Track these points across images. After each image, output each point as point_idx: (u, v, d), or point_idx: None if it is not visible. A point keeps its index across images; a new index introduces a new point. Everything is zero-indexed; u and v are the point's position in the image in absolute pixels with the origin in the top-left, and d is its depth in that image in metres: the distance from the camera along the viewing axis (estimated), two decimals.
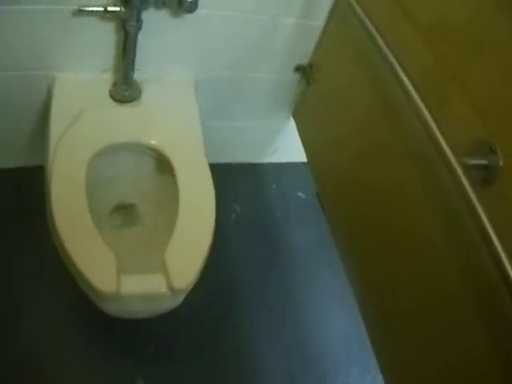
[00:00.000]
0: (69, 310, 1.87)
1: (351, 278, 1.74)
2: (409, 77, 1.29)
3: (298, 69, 2.04)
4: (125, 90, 1.70)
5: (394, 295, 1.51)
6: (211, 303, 2.07)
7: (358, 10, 1.51)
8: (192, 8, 1.54)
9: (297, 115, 2.25)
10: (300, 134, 2.19)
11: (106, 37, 1.65)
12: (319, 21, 1.86)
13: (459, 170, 1.08)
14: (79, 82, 1.73)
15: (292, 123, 2.29)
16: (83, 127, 1.58)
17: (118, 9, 1.48)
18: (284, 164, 2.68)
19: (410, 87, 1.27)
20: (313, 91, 2.05)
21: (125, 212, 1.77)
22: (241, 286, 2.20)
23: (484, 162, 1.12)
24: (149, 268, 1.39)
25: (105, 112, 1.67)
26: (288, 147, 2.51)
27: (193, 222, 1.48)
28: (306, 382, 2.02)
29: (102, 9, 1.48)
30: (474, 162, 1.13)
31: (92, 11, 1.50)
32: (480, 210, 1.04)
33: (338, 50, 1.85)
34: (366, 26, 1.46)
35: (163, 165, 1.63)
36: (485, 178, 1.13)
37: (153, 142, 1.62)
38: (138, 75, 1.72)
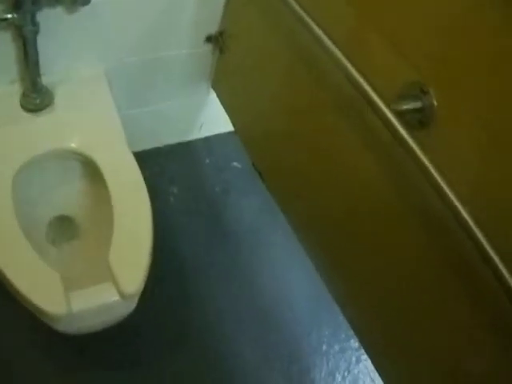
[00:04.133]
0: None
1: (303, 242, 1.75)
2: (324, 29, 1.25)
3: (209, 39, 1.98)
4: (35, 97, 1.61)
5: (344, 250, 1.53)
6: (166, 296, 2.05)
7: None
8: (86, 1, 1.46)
9: (216, 86, 2.20)
10: (223, 105, 2.16)
11: (4, 47, 1.56)
12: None
13: (392, 117, 1.06)
14: None
15: (213, 95, 2.25)
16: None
17: (9, 15, 1.39)
18: (213, 137, 2.64)
19: (329, 42, 1.23)
20: (228, 59, 2.00)
21: (63, 225, 1.69)
22: (192, 269, 2.18)
23: (417, 104, 1.10)
24: (95, 279, 1.35)
25: (18, 125, 1.59)
26: (214, 119, 2.47)
27: (130, 222, 1.45)
28: (281, 354, 2.01)
29: None
30: (406, 106, 1.11)
31: None
32: (420, 153, 1.03)
33: (247, 11, 1.80)
34: None
35: (90, 168, 1.57)
36: (420, 120, 1.12)
37: (73, 146, 1.57)
38: (46, 79, 1.64)
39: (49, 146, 1.56)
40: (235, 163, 2.60)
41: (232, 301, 2.12)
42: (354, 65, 1.15)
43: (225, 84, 2.13)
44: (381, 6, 1.21)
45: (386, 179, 1.31)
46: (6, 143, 1.52)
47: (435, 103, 1.08)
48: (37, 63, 1.52)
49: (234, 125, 2.12)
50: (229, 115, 2.13)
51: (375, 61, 1.22)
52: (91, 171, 1.57)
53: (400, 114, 1.07)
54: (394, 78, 1.17)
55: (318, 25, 1.26)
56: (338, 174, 1.51)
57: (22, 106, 1.62)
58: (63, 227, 1.69)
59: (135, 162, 1.56)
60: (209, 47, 2.02)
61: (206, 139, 2.63)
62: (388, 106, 1.07)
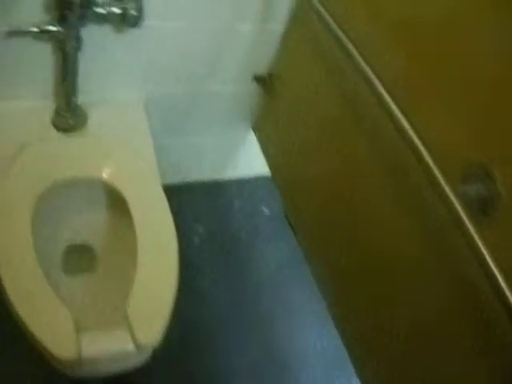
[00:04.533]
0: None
1: (327, 300, 1.65)
2: (382, 82, 1.16)
3: (257, 79, 1.89)
4: (68, 117, 1.52)
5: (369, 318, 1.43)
6: (183, 339, 1.94)
7: (321, 9, 1.36)
8: (136, 22, 1.37)
9: (257, 128, 2.11)
10: (262, 148, 2.07)
11: (42, 60, 1.47)
12: (278, 25, 1.71)
13: (453, 198, 0.96)
14: (17, 112, 1.55)
15: (252, 136, 2.16)
16: (25, 165, 1.41)
17: (54, 28, 1.30)
18: (246, 179, 2.54)
19: (385, 95, 1.15)
20: (273, 102, 1.91)
21: (80, 255, 1.58)
22: (209, 315, 2.07)
23: (480, 188, 0.99)
24: (110, 320, 1.26)
25: (48, 145, 1.49)
26: (248, 161, 2.38)
27: (154, 267, 1.33)
28: None
29: (36, 29, 1.30)
30: (468, 189, 1.01)
31: (25, 32, 1.31)
32: (479, 241, 0.92)
33: (299, 56, 1.72)
34: (330, 28, 1.32)
35: (117, 200, 1.46)
36: (482, 206, 1.00)
37: (102, 176, 1.46)
38: (81, 99, 1.54)
39: (76, 172, 1.46)
40: (265, 209, 2.50)
41: (247, 353, 2.01)
42: (415, 130, 1.06)
43: (266, 126, 2.04)
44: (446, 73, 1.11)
45: (430, 252, 1.19)
46: (33, 163, 1.42)
47: (501, 190, 0.96)
48: (74, 81, 1.44)
49: (270, 169, 2.02)
50: (266, 159, 2.03)
51: (438, 129, 1.11)
52: (118, 203, 1.46)
53: (461, 196, 0.97)
54: (456, 153, 1.06)
55: (378, 77, 1.17)
56: (379, 240, 1.40)
57: (54, 124, 1.53)
58: (80, 257, 1.58)
59: (166, 201, 1.45)
60: (255, 87, 1.92)
61: (238, 180, 2.53)
62: (450, 184, 0.97)
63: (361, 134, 1.42)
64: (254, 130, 2.12)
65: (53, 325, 1.17)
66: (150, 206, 1.44)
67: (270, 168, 2.02)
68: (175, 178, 2.25)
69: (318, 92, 1.63)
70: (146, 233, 1.37)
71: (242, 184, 2.53)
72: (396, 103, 1.11)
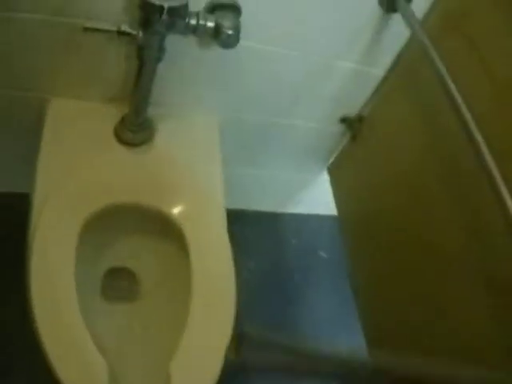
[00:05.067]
0: None
1: None
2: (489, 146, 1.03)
3: (344, 120, 1.74)
4: (134, 130, 1.36)
5: None
6: None
7: (434, 55, 1.19)
8: (230, 43, 1.21)
9: (333, 170, 1.98)
10: (334, 192, 1.94)
11: (116, 61, 1.33)
12: (379, 69, 1.57)
13: None
14: (79, 112, 1.41)
15: (324, 176, 2.03)
16: (77, 180, 1.27)
17: (134, 32, 1.13)
18: (307, 216, 2.43)
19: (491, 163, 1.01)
20: (358, 147, 1.78)
21: (121, 280, 1.45)
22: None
23: None
24: (149, 372, 1.18)
25: (107, 161, 1.34)
26: (314, 198, 2.26)
27: (206, 325, 1.19)
28: None
29: (114, 29, 1.14)
30: None
31: (102, 30, 1.15)
32: None
33: (397, 105, 1.58)
34: (440, 78, 1.15)
35: (174, 232, 1.32)
36: None
37: (163, 207, 1.31)
38: (152, 109, 1.38)
39: (133, 197, 1.31)
40: (322, 252, 2.39)
41: None
42: None
43: (344, 171, 1.91)
44: None
45: None
46: (85, 181, 1.28)
47: None
48: (148, 93, 1.28)
49: (339, 214, 1.91)
50: (337, 204, 1.92)
51: None
52: (174, 236, 1.33)
53: None
54: None
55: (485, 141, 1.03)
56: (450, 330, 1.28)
57: (116, 135, 1.37)
58: (122, 282, 1.46)
59: (229, 247, 1.33)
60: (340, 128, 1.78)
61: (299, 216, 2.43)
62: None
63: (447, 197, 1.31)
64: (329, 171, 2.00)
65: (85, 374, 1.05)
66: (210, 249, 1.31)
67: (339, 212, 1.91)
68: (235, 204, 2.10)
69: (406, 146, 1.52)
70: (203, 277, 1.25)
71: (303, 220, 2.43)
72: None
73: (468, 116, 1.07)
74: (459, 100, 1.09)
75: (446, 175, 1.32)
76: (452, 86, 1.12)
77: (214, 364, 1.13)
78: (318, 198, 2.15)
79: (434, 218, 1.36)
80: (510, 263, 1.07)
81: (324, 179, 2.01)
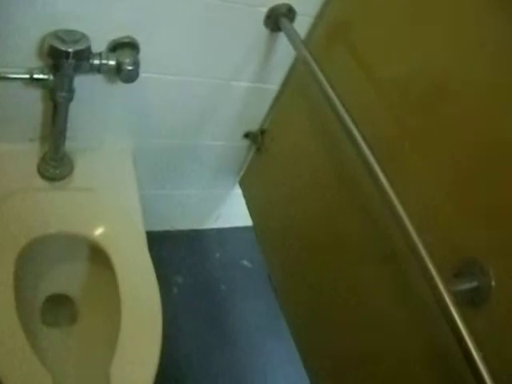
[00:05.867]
0: None
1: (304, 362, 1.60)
2: (372, 151, 1.12)
3: (248, 135, 1.86)
4: (55, 166, 1.47)
5: None
6: None
7: (318, 72, 1.31)
8: (131, 77, 1.33)
9: (244, 182, 2.08)
10: (247, 203, 2.03)
11: (31, 105, 1.43)
12: (273, 85, 1.70)
13: (446, 296, 0.91)
14: (2, 155, 1.50)
15: (237, 189, 2.14)
16: (7, 217, 1.35)
17: (45, 77, 1.25)
18: (227, 229, 2.53)
19: (377, 168, 1.10)
20: (263, 159, 1.89)
21: (60, 306, 1.53)
22: (186, 368, 2.01)
23: (474, 283, 0.99)
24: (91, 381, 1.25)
25: (32, 195, 1.43)
26: (231, 212, 2.37)
27: (138, 330, 1.28)
28: None
29: (27, 76, 1.25)
30: (462, 286, 1.00)
31: (15, 79, 1.27)
32: (465, 332, 0.88)
33: (291, 115, 1.71)
34: (323, 90, 1.27)
35: (100, 255, 1.41)
36: (473, 299, 0.99)
37: (88, 233, 1.40)
38: (69, 144, 1.49)
39: (60, 227, 1.39)
40: (245, 262, 2.48)
41: None
42: (409, 216, 1.01)
43: (253, 181, 2.01)
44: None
45: (417, 336, 1.18)
46: (16, 215, 1.36)
47: (493, 284, 0.96)
48: (64, 130, 1.39)
49: (254, 225, 1.98)
50: (251, 214, 1.99)
51: (434, 218, 1.10)
52: (101, 259, 1.41)
53: (454, 293, 0.93)
54: (453, 247, 1.05)
55: (368, 144, 1.13)
56: (362, 315, 1.38)
57: (39, 172, 1.48)
58: (60, 308, 1.53)
59: (150, 260, 1.41)
60: (245, 143, 1.90)
61: (220, 231, 2.51)
62: (444, 282, 0.93)
63: (350, 205, 1.41)
64: (241, 184, 2.10)
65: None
66: (135, 269, 1.39)
67: (254, 223, 1.98)
68: (157, 226, 2.21)
69: (306, 152, 1.62)
70: (130, 292, 1.32)
71: (224, 234, 2.51)
72: (388, 180, 1.08)
73: (349, 121, 1.17)
74: (340, 107, 1.20)
75: (342, 177, 1.43)
76: (332, 95, 1.23)
77: (149, 369, 1.22)
78: (236, 210, 2.23)
79: (335, 214, 1.47)
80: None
81: (238, 192, 2.11)
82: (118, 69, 1.30)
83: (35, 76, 1.25)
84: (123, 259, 1.37)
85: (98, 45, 1.29)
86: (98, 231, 1.41)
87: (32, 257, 1.36)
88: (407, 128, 1.19)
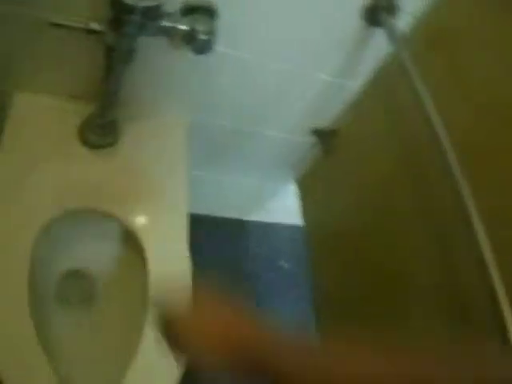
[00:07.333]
0: None
1: None
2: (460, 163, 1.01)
3: (316, 132, 1.69)
4: (98, 134, 1.30)
5: None
6: None
7: (414, 73, 1.16)
8: (204, 48, 1.16)
9: (303, 183, 1.94)
10: (303, 206, 1.90)
11: (83, 58, 1.26)
12: (355, 82, 1.52)
13: None
14: (43, 108, 1.34)
15: (292, 186, 2.00)
16: (37, 183, 1.22)
17: (103, 31, 1.07)
18: (270, 224, 2.41)
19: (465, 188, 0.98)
20: (329, 161, 1.74)
21: (78, 283, 1.38)
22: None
23: None
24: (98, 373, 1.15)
25: (68, 164, 1.28)
26: (279, 208, 2.22)
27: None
28: None
29: (82, 26, 1.08)
30: None
31: (69, 26, 1.08)
32: None
33: (372, 120, 1.55)
34: (418, 96, 1.12)
35: (132, 242, 1.27)
36: None
37: (123, 217, 1.26)
38: (118, 111, 1.32)
39: (95, 203, 1.25)
40: (283, 262, 2.36)
41: None
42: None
43: (315, 184, 1.87)
44: None
45: None
46: (49, 181, 1.23)
47: None
48: (115, 94, 1.22)
49: (306, 229, 1.87)
50: (304, 217, 1.88)
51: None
52: (134, 244, 1.27)
53: None
54: None
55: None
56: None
57: (79, 136, 1.31)
58: (79, 285, 1.38)
59: (188, 257, 1.28)
60: (310, 140, 1.74)
61: (262, 224, 2.40)
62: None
63: (421, 224, 1.26)
64: (299, 183, 1.96)
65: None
66: (169, 262, 1.26)
67: (306, 224, 1.87)
68: (198, 209, 2.05)
69: (380, 161, 1.49)
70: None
71: (266, 229, 2.41)
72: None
73: (446, 141, 1.03)
74: (436, 122, 1.06)
75: (420, 196, 1.28)
76: (430, 109, 1.08)
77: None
78: (283, 207, 2.13)
79: (398, 244, 1.33)
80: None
81: (289, 189, 1.98)
82: (190, 36, 1.12)
83: (91, 27, 1.08)
84: (158, 253, 1.25)
85: (170, 4, 1.10)
86: (137, 218, 1.28)
87: (57, 228, 1.22)
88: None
